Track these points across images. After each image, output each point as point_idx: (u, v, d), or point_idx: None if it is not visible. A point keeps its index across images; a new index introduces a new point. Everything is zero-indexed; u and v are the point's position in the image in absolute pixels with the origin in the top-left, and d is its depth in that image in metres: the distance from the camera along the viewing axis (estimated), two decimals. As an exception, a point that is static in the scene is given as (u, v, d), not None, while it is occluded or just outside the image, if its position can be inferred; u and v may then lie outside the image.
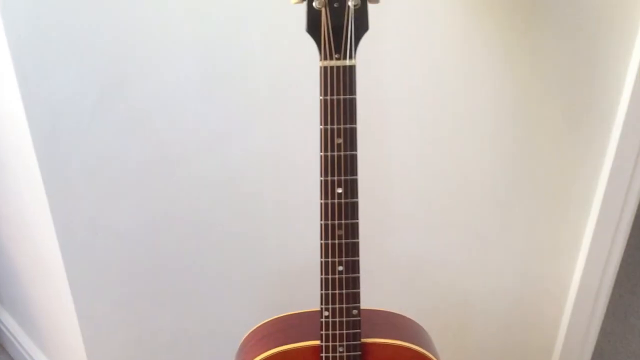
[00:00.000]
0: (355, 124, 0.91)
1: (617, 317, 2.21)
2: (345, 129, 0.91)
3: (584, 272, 1.50)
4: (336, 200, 0.94)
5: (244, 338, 1.10)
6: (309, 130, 1.20)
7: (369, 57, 1.12)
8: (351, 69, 0.88)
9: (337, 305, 0.99)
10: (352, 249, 0.97)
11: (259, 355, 1.02)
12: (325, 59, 0.88)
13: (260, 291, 1.43)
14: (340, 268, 0.97)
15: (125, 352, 1.44)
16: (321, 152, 0.92)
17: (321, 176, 0.93)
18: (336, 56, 0.88)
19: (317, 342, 1.02)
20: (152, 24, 1.10)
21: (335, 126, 0.91)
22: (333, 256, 0.97)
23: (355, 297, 0.99)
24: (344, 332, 1.01)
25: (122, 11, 1.08)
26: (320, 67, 0.88)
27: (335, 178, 0.93)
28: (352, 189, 0.94)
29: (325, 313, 1.00)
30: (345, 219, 0.95)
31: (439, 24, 1.17)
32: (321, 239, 0.96)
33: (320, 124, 0.91)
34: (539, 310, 1.60)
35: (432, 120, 1.27)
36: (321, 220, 0.95)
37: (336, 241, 0.96)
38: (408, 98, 1.24)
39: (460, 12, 1.16)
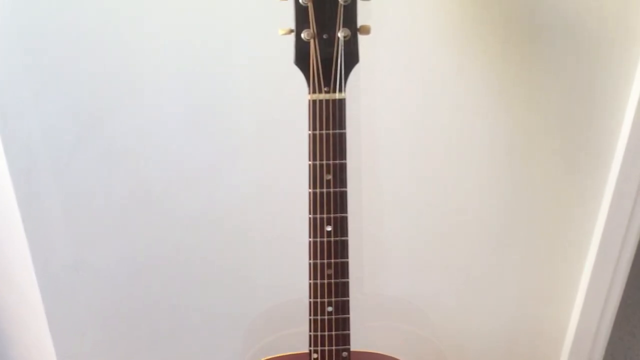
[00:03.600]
0: (345, 159, 0.89)
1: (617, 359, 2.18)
2: (334, 164, 0.89)
3: (582, 314, 1.48)
4: (325, 239, 0.92)
5: (230, 382, 1.07)
6: (297, 166, 1.19)
7: (359, 89, 1.12)
8: (341, 103, 0.87)
9: (326, 348, 0.97)
10: (342, 289, 0.94)
11: (245, 401, 0.99)
12: (314, 92, 0.86)
13: (247, 331, 1.40)
14: (330, 309, 0.95)
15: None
16: (310, 188, 0.90)
17: (310, 214, 0.91)
18: (325, 89, 0.86)
19: (306, 387, 0.99)
20: (134, 57, 1.09)
21: (324, 162, 0.89)
22: (322, 296, 0.95)
23: (345, 339, 0.97)
24: (334, 375, 0.98)
25: (104, 43, 1.07)
26: (309, 101, 0.87)
27: (325, 215, 0.91)
28: (341, 226, 0.92)
29: (314, 355, 0.98)
30: (335, 257, 0.93)
31: (431, 57, 1.16)
32: (310, 279, 0.94)
33: (309, 160, 0.89)
34: (536, 352, 1.57)
35: (424, 156, 1.26)
36: (310, 259, 0.93)
37: (325, 281, 0.94)
38: (399, 132, 1.23)
39: (454, 44, 1.16)
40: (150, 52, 1.09)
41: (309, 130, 0.88)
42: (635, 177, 1.29)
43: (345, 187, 0.90)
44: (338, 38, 0.84)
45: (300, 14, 0.83)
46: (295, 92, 0.98)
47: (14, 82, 1.06)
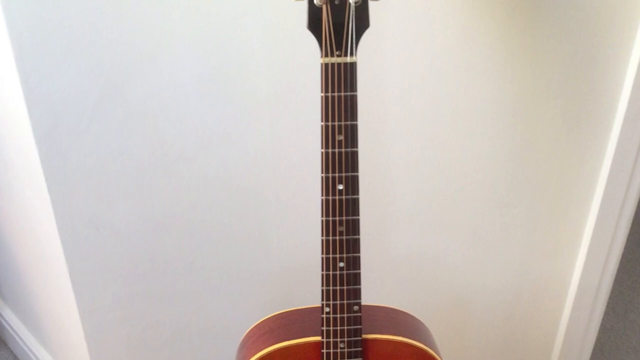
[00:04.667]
0: (356, 120, 0.91)
1: (618, 313, 2.21)
2: (346, 125, 0.91)
3: (584, 269, 1.50)
4: (337, 197, 0.94)
5: (245, 334, 1.10)
6: (310, 128, 1.21)
7: (370, 54, 1.13)
8: (352, 66, 0.88)
9: (338, 302, 0.99)
10: (353, 246, 0.97)
11: (260, 351, 1.03)
12: (327, 56, 0.88)
13: (261, 288, 1.43)
14: (342, 264, 0.97)
15: (127, 349, 1.44)
16: (322, 149, 0.92)
17: (322, 173, 0.93)
18: (337, 53, 0.88)
19: (318, 338, 1.02)
20: (151, 23, 1.10)
21: (336, 123, 0.91)
22: (334, 252, 0.97)
23: (356, 294, 0.99)
24: (345, 328, 1.01)
25: (122, 11, 1.08)
26: (322, 64, 0.88)
27: (337, 175, 0.93)
28: (353, 185, 0.94)
29: (327, 309, 1.00)
30: (346, 215, 0.95)
31: (440, 23, 1.17)
32: (322, 236, 0.96)
33: (321, 121, 0.91)
34: (539, 307, 1.60)
35: (432, 118, 1.27)
36: (322, 216, 0.95)
37: (337, 237, 0.96)
38: (408, 96, 1.24)
39: (461, 11, 1.16)
40: (166, 20, 1.10)
41: (322, 92, 0.89)
42: (636, 137, 1.30)
43: (357, 147, 0.92)
44: (349, 3, 0.86)
45: (313, -20, 0.85)
46: (308, 57, 0.99)
47: (37, 49, 1.07)
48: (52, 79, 1.10)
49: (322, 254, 0.97)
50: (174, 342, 1.46)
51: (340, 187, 0.93)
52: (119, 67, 1.13)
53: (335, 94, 0.89)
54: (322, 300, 1.00)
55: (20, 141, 1.21)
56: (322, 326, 1.01)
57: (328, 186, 0.94)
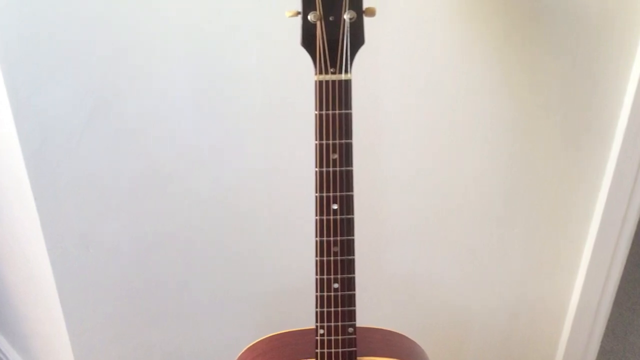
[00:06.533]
0: (351, 139, 0.90)
1: (617, 335, 2.19)
2: (340, 144, 0.90)
3: (583, 289, 1.49)
4: (331, 217, 0.93)
5: (237, 357, 1.09)
6: (304, 145, 1.20)
7: (365, 71, 1.12)
8: (347, 83, 0.87)
9: (332, 323, 0.98)
10: (348, 266, 0.95)
11: (252, 374, 1.01)
12: (321, 73, 0.87)
13: (254, 309, 1.42)
14: (336, 285, 0.96)
15: (117, 371, 1.42)
16: (316, 167, 0.91)
17: (316, 192, 0.92)
18: (331, 70, 0.87)
19: (312, 361, 1.01)
20: (143, 38, 1.10)
21: (330, 141, 0.90)
22: (328, 273, 0.95)
23: (351, 315, 0.98)
24: (340, 350, 0.99)
25: (113, 26, 1.08)
26: (315, 82, 0.87)
27: (331, 194, 0.92)
28: (347, 205, 0.93)
29: (321, 331, 0.98)
30: (341, 235, 0.94)
31: (436, 38, 1.17)
32: (316, 256, 0.95)
33: (315, 139, 0.90)
34: (538, 328, 1.59)
35: (428, 135, 1.27)
36: (316, 236, 0.94)
37: (331, 258, 0.95)
38: (404, 113, 1.24)
39: (457, 25, 1.16)
40: (158, 35, 1.10)
41: (316, 110, 0.88)
42: (636, 154, 1.30)
43: (351, 166, 0.91)
44: (344, 20, 0.85)
45: (307, -4, 0.84)
46: (303, 74, 0.99)
47: (27, 63, 1.06)
48: (42, 94, 1.09)
49: (316, 274, 0.96)
50: (166, 364, 1.44)
51: (335, 206, 0.92)
52: (110, 82, 1.12)
53: (330, 111, 0.88)
54: (316, 322, 0.98)
55: (9, 158, 1.20)
56: (317, 348, 0.99)
57: (322, 206, 0.92)
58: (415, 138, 1.27)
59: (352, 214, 0.93)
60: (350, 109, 0.89)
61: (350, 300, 0.97)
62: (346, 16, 0.84)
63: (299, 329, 1.09)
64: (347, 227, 0.94)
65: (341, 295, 0.97)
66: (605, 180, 1.34)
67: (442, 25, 1.15)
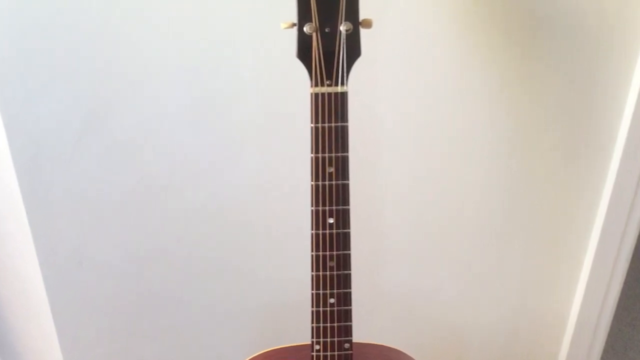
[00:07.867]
0: (348, 152, 0.89)
1: (617, 351, 2.18)
2: (337, 157, 0.89)
3: (582, 305, 1.48)
4: (327, 231, 0.92)
5: (232, 374, 1.07)
6: (300, 158, 1.19)
7: (362, 83, 1.11)
8: (343, 96, 0.87)
9: (328, 339, 0.97)
10: (344, 281, 0.94)
11: (247, 391, 1.00)
12: (316, 85, 0.86)
13: (249, 324, 1.40)
14: (332, 300, 0.95)
15: (110, 388, 1.40)
16: (312, 181, 0.90)
17: (312, 206, 0.91)
18: (327, 82, 0.86)
19: (308, 378, 0.99)
20: (136, 52, 1.09)
21: (326, 155, 0.89)
22: (324, 288, 0.95)
23: (347, 331, 0.97)
24: (336, 366, 0.98)
25: (105, 40, 1.07)
26: (311, 94, 0.87)
27: (327, 208, 0.91)
28: (344, 219, 0.92)
29: (317, 347, 0.98)
30: (337, 250, 0.93)
31: (434, 51, 1.16)
32: (312, 271, 0.94)
33: (311, 153, 0.89)
34: (536, 344, 1.57)
35: (426, 149, 1.26)
36: (312, 251, 0.93)
37: (327, 273, 0.94)
38: (401, 126, 1.23)
39: (456, 39, 1.15)
40: (152, 47, 1.09)
41: (312, 123, 0.88)
42: (635, 170, 1.29)
43: (348, 179, 0.90)
44: (340, 32, 0.84)
45: (303, 7, 0.83)
46: (298, 86, 0.98)
47: (18, 76, 1.06)
48: (33, 109, 1.09)
49: (312, 289, 0.95)
50: (160, 381, 1.43)
51: (331, 220, 0.92)
52: (102, 95, 1.12)
53: (326, 124, 0.88)
54: (312, 337, 0.97)
55: (0, 172, 1.19)
56: (312, 365, 0.98)
57: (318, 220, 0.92)
58: (412, 151, 1.26)
59: (349, 228, 0.92)
60: (347, 121, 0.88)
61: (346, 316, 0.96)
62: (342, 28, 0.84)
63: (295, 344, 1.07)
64: (344, 241, 0.93)
65: (337, 311, 0.96)
66: (605, 194, 1.34)
67: (440, 37, 1.15)
